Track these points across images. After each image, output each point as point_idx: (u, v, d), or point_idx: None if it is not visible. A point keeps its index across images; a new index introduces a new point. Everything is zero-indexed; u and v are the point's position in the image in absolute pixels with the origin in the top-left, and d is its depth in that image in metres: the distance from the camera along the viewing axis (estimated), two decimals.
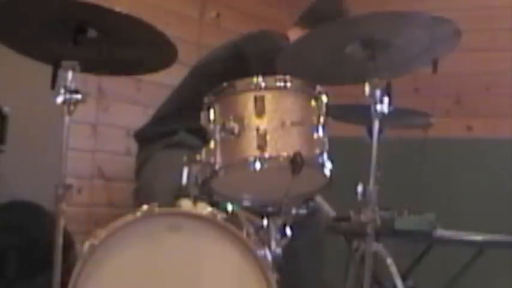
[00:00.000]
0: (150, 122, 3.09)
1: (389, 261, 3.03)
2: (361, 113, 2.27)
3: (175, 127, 2.89)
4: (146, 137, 3.02)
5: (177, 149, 2.75)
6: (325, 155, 2.17)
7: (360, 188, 2.19)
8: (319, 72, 2.42)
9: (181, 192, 2.21)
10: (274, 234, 2.23)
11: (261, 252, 2.10)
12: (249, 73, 2.72)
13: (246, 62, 2.82)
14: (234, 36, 3.15)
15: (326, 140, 2.19)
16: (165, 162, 2.67)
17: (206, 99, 2.21)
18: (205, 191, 2.19)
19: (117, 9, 2.03)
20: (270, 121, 2.11)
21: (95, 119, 3.54)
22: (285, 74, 2.20)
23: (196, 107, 2.69)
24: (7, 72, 2.98)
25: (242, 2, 4.38)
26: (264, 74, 2.79)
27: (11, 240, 2.90)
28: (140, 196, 2.84)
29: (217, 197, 2.23)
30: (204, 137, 2.20)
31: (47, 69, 2.14)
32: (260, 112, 2.11)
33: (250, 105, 2.12)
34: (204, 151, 2.17)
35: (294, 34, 3.03)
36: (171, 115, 2.98)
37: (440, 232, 3.30)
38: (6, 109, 2.80)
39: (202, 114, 2.21)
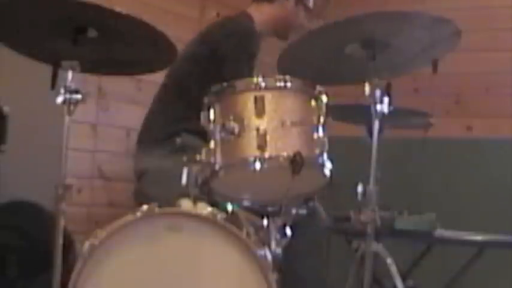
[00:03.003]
0: (146, 126, 3.05)
1: (389, 261, 3.03)
2: (361, 113, 2.27)
3: (175, 130, 2.88)
4: (147, 141, 2.98)
5: (181, 154, 2.75)
6: (325, 155, 2.17)
7: (360, 188, 2.19)
8: (319, 72, 2.42)
9: (181, 192, 2.21)
10: (274, 234, 2.23)
11: (261, 252, 2.10)
12: (225, 60, 2.72)
13: (218, 50, 2.80)
14: None
15: (326, 140, 2.19)
16: (172, 170, 2.66)
17: (206, 99, 2.21)
18: (205, 191, 2.19)
19: (117, 9, 2.03)
20: (270, 121, 2.11)
21: (95, 119, 3.54)
22: (285, 74, 2.20)
23: (192, 107, 2.69)
24: (7, 72, 2.98)
25: (242, 2, 4.36)
26: (239, 56, 2.76)
27: (11, 240, 2.90)
28: (142, 199, 2.82)
29: (217, 197, 2.23)
30: (204, 135, 2.20)
31: (47, 69, 2.14)
32: (260, 112, 2.11)
33: (250, 105, 2.12)
34: (204, 151, 2.17)
35: (254, 11, 3.07)
36: (168, 119, 2.96)
37: (440, 232, 3.30)
38: (6, 109, 2.80)
39: (202, 114, 2.21)
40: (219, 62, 2.79)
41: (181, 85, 2.94)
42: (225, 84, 2.19)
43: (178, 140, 2.85)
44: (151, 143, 2.92)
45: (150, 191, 2.82)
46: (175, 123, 2.90)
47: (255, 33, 2.96)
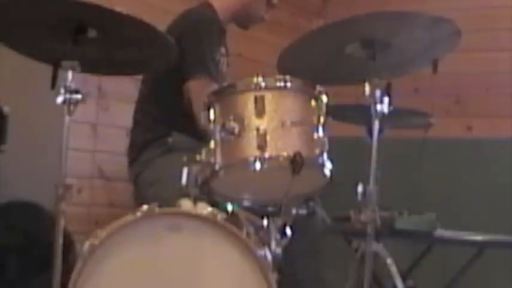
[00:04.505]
0: (135, 130, 3.04)
1: (389, 261, 3.03)
2: (361, 113, 2.27)
3: (165, 130, 2.88)
4: (138, 144, 2.97)
5: (174, 153, 2.75)
6: (325, 155, 2.17)
7: (360, 188, 2.19)
8: (319, 72, 2.42)
9: (181, 192, 2.21)
10: (274, 234, 2.23)
11: (261, 252, 2.10)
12: (187, 51, 2.70)
13: (181, 41, 2.76)
14: (233, 36, 3.16)
15: (326, 140, 2.19)
16: (167, 170, 2.66)
17: (206, 99, 2.21)
18: (205, 191, 2.19)
19: (117, 9, 2.03)
20: (270, 121, 2.11)
21: (95, 119, 3.54)
22: (285, 74, 2.20)
23: (172, 107, 2.73)
24: (7, 72, 2.99)
25: None
26: (199, 46, 2.79)
27: (11, 240, 2.90)
28: (141, 200, 2.81)
29: (217, 197, 2.23)
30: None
31: (47, 69, 2.14)
32: (260, 112, 2.11)
33: (250, 105, 2.12)
34: (204, 151, 2.17)
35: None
36: (155, 121, 2.95)
37: (440, 232, 3.30)
38: (6, 109, 2.80)
39: (203, 114, 2.21)
40: (182, 53, 2.74)
41: (157, 85, 2.93)
42: (225, 84, 2.19)
43: (169, 140, 2.85)
44: (142, 145, 2.92)
45: (146, 192, 2.82)
46: (163, 123, 2.89)
47: (214, 21, 2.93)
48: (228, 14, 3.02)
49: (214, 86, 2.55)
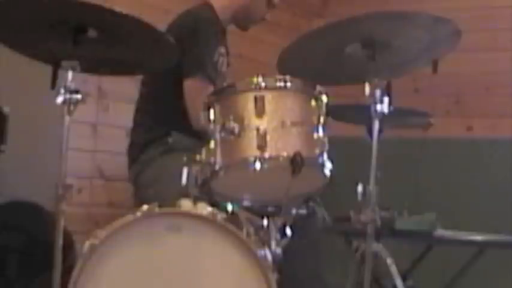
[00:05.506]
0: (135, 130, 3.04)
1: (389, 261, 3.03)
2: (361, 113, 2.27)
3: (165, 130, 2.88)
4: (138, 144, 2.97)
5: (174, 153, 2.75)
6: (325, 155, 2.17)
7: (360, 188, 2.19)
8: (319, 72, 2.42)
9: (181, 192, 2.21)
10: (274, 234, 2.23)
11: (261, 252, 2.10)
12: (186, 51, 2.69)
13: (179, 42, 2.75)
14: (234, 36, 3.16)
15: (326, 140, 2.19)
16: (167, 169, 2.66)
17: (206, 99, 2.21)
18: (205, 191, 2.19)
19: (117, 9, 2.03)
20: (270, 121, 2.11)
21: (95, 119, 3.54)
22: (285, 74, 2.20)
23: (172, 107, 2.74)
24: (7, 72, 2.98)
25: None
26: (197, 47, 2.79)
27: (11, 240, 2.90)
28: (140, 200, 2.81)
29: (217, 197, 2.23)
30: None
31: (47, 69, 2.14)
32: (260, 112, 2.11)
33: (250, 105, 2.12)
34: (204, 151, 2.18)
35: None
36: (155, 121, 2.95)
37: (440, 232, 3.30)
38: (6, 109, 2.80)
39: (202, 114, 2.21)
40: (182, 54, 2.73)
41: (157, 85, 2.93)
42: (225, 84, 2.19)
43: (169, 140, 2.85)
44: (142, 145, 2.92)
45: (146, 192, 2.82)
46: (163, 123, 2.89)
47: (213, 21, 2.93)
48: (228, 14, 3.03)
49: (210, 88, 2.56)
